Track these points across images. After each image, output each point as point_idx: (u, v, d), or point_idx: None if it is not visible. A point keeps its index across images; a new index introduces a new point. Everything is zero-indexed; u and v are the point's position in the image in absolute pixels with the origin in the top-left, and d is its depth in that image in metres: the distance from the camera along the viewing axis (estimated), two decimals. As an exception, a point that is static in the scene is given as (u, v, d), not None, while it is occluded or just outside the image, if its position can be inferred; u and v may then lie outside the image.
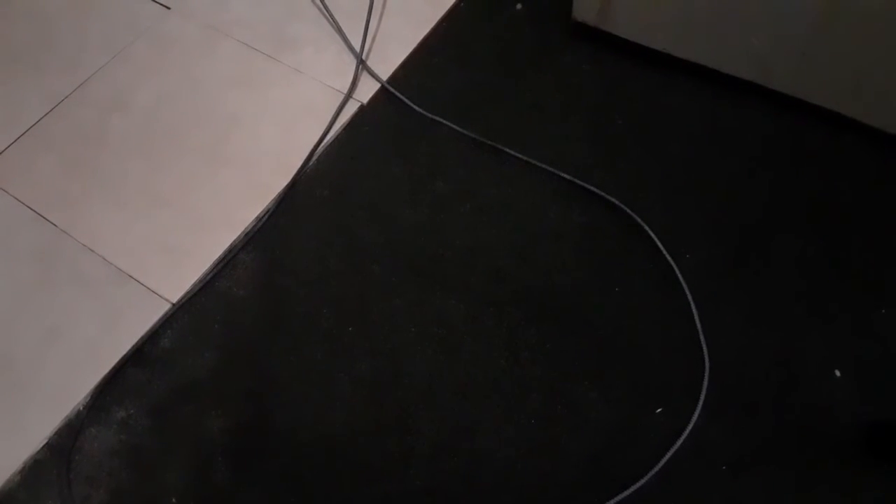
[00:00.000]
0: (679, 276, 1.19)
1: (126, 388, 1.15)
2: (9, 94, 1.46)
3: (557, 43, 1.48)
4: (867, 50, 1.18)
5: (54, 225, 1.29)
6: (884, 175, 1.28)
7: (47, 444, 1.10)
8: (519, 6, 1.54)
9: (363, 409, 1.12)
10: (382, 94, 1.44)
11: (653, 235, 1.23)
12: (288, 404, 1.13)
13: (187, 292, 1.22)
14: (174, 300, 1.21)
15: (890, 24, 1.13)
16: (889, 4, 1.10)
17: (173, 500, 1.06)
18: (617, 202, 1.27)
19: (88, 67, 1.49)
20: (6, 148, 1.39)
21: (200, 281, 1.23)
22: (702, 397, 1.10)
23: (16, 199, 1.32)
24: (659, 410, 1.10)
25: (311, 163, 1.36)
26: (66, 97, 1.45)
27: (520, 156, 1.33)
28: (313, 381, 1.15)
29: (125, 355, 1.17)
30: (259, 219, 1.30)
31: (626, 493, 1.03)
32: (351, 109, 1.41)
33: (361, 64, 1.46)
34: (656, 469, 1.04)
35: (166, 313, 1.20)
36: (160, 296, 1.22)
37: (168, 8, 1.57)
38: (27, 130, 1.41)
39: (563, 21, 1.46)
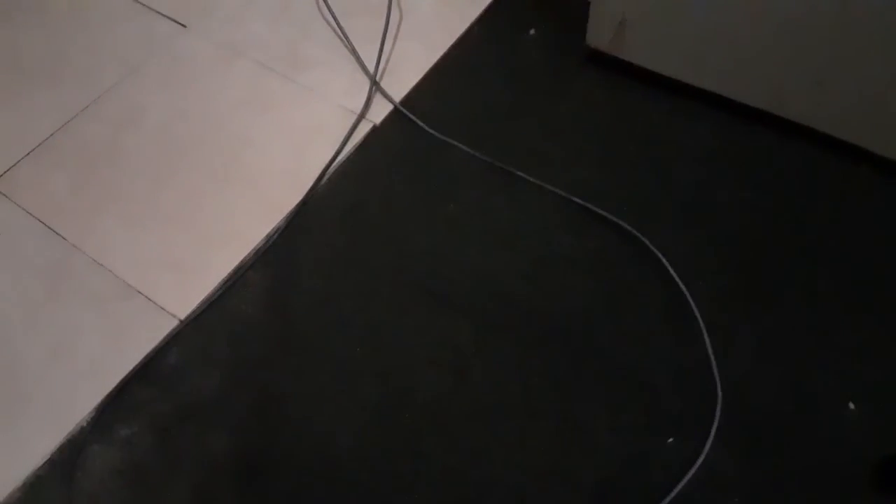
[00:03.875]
0: (691, 303, 1.18)
1: (130, 405, 1.13)
2: (22, 108, 1.46)
3: (571, 68, 1.49)
4: (883, 81, 1.18)
5: (64, 238, 1.29)
6: (898, 206, 1.28)
7: (49, 460, 1.08)
8: (532, 32, 1.55)
9: (370, 432, 1.11)
10: (395, 115, 1.44)
11: (665, 262, 1.22)
12: (294, 425, 1.12)
13: (195, 309, 1.21)
14: (182, 317, 1.20)
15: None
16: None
17: (175, 520, 1.05)
18: (629, 228, 1.26)
19: (103, 84, 1.49)
20: (18, 161, 1.39)
21: (209, 298, 1.23)
22: (714, 427, 1.08)
23: (27, 211, 1.32)
24: (671, 440, 1.08)
25: (322, 182, 1.35)
26: (80, 112, 1.45)
27: (532, 179, 1.33)
28: (320, 402, 1.14)
29: (130, 372, 1.15)
30: (269, 237, 1.29)
31: (637, 523, 1.01)
32: (364, 130, 1.41)
33: (375, 85, 1.46)
34: (668, 500, 1.02)
35: (174, 330, 1.19)
36: (168, 312, 1.21)
37: (184, 26, 1.58)
38: (39, 144, 1.41)
39: (577, 47, 1.47)
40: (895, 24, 1.10)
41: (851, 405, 1.10)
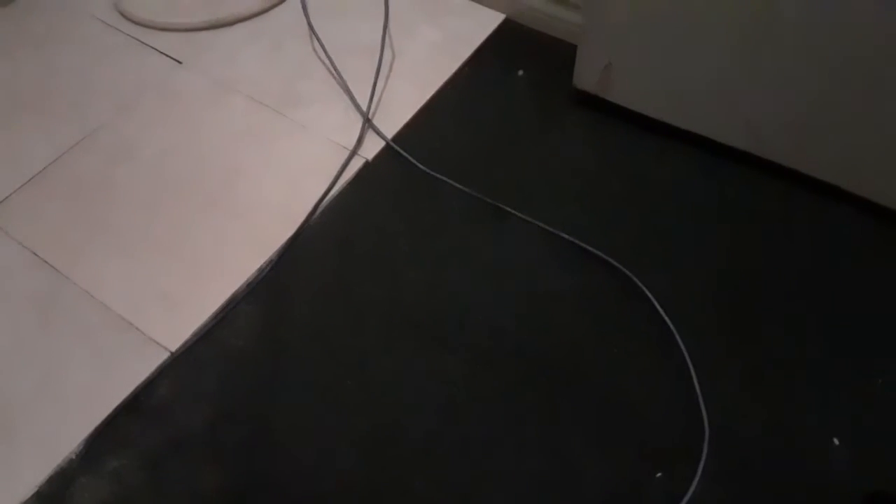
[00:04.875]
0: (678, 339, 1.20)
1: (120, 437, 1.13)
2: (16, 141, 1.48)
3: (558, 108, 1.52)
4: (861, 124, 1.22)
5: (56, 269, 1.29)
6: (878, 246, 1.31)
7: (37, 493, 1.07)
8: (521, 73, 1.59)
9: (359, 467, 1.11)
10: (387, 151, 1.46)
11: (652, 298, 1.25)
12: (284, 460, 1.12)
13: (186, 341, 1.22)
14: (173, 349, 1.21)
15: (885, 98, 1.17)
16: (888, 79, 1.15)
17: (163, 555, 1.04)
18: (617, 264, 1.29)
19: (97, 117, 1.51)
20: (11, 193, 1.40)
21: (200, 330, 1.23)
22: (701, 463, 1.09)
23: (18, 242, 1.32)
24: (659, 475, 1.09)
25: (314, 216, 1.37)
26: (74, 145, 1.47)
27: (521, 215, 1.35)
28: (310, 436, 1.14)
29: (120, 404, 1.15)
30: (261, 270, 1.30)
31: (626, 558, 1.02)
32: (356, 165, 1.44)
33: (367, 122, 1.49)
34: (656, 534, 1.03)
35: (164, 362, 1.19)
36: (159, 344, 1.21)
37: (180, 62, 1.61)
38: (33, 177, 1.42)
39: (564, 88, 1.51)
40: (869, 71, 1.15)
41: (836, 440, 1.12)
